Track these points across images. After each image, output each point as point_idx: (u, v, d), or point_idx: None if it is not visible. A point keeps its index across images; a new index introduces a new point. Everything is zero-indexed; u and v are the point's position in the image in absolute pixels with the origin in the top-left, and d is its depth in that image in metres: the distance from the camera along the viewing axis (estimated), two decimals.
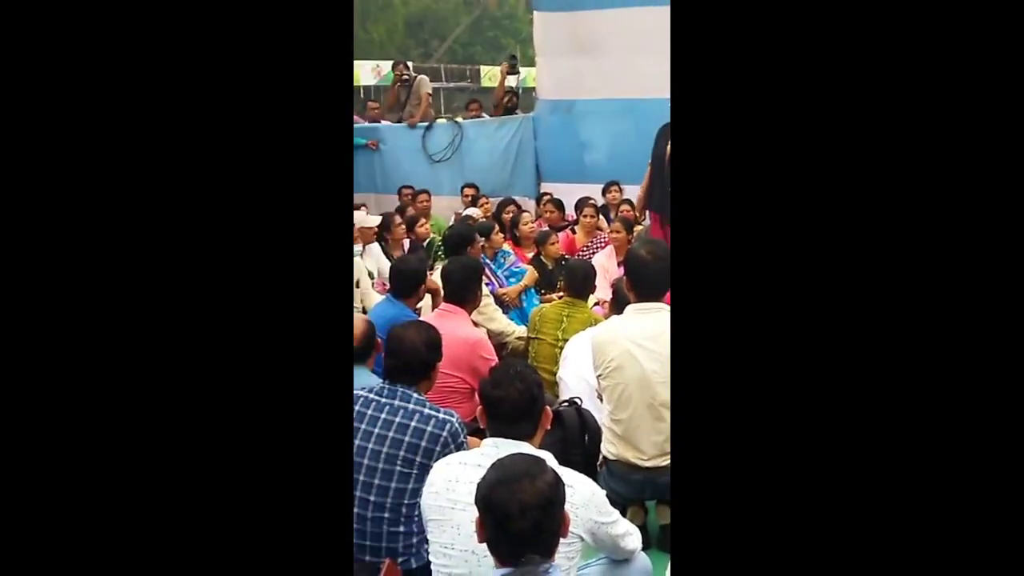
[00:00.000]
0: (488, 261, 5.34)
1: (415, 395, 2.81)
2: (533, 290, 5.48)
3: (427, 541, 2.39)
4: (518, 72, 8.90)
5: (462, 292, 3.91)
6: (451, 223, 7.20)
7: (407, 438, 2.71)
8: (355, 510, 2.71)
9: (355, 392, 2.89)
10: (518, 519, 1.76)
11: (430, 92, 9.04)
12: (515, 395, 2.35)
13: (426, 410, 2.77)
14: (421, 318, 3.92)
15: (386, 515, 2.71)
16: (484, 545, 2.08)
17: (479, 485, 1.85)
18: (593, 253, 6.01)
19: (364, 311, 4.90)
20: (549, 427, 2.47)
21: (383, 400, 2.81)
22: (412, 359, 2.85)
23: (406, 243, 6.50)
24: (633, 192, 6.51)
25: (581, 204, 6.70)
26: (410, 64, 9.87)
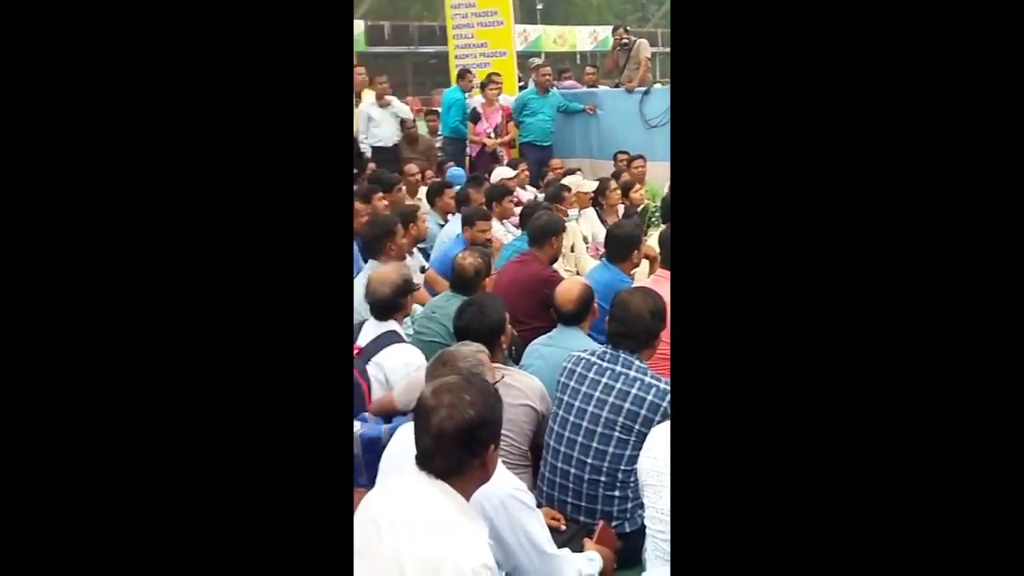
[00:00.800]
0: None
1: (637, 362, 2.80)
2: None
3: (642, 506, 2.39)
4: None
5: None
6: (666, 189, 7.12)
7: (627, 405, 2.71)
8: (572, 470, 2.76)
9: (574, 353, 2.93)
10: None
11: (649, 56, 8.90)
12: None
13: (647, 379, 2.75)
14: (636, 284, 3.89)
15: (602, 479, 2.73)
16: None
17: None
18: None
19: (578, 274, 4.94)
20: None
21: (604, 364, 2.82)
22: (636, 326, 2.84)
23: (620, 208, 6.47)
24: None
25: None
26: (629, 28, 9.77)
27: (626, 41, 8.81)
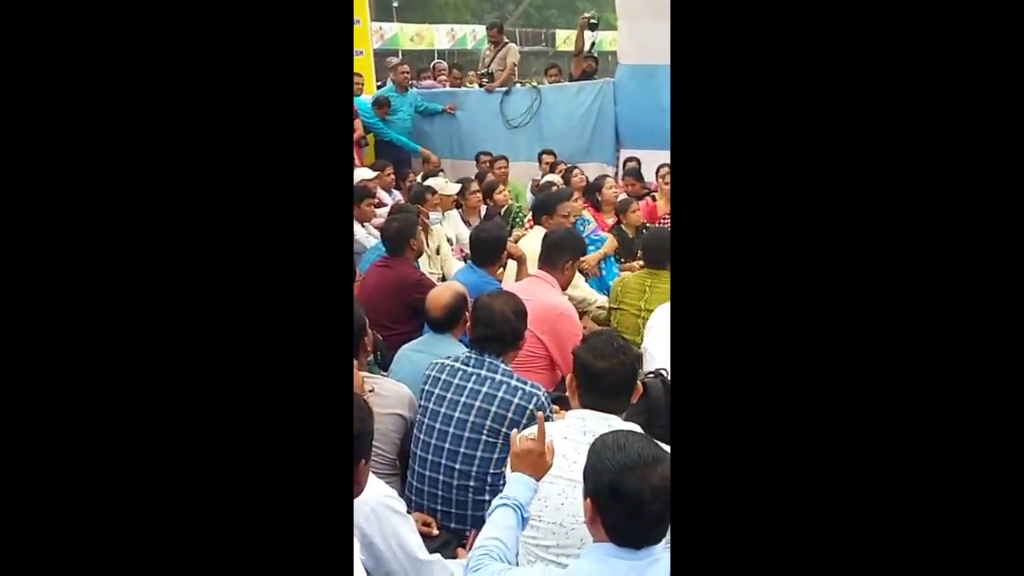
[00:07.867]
0: None
1: (502, 365, 2.81)
2: (613, 259, 5.42)
3: None
4: (597, 26, 8.71)
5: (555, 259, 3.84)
6: (529, 190, 7.18)
7: (493, 408, 2.72)
8: (440, 478, 2.75)
9: (437, 360, 2.92)
10: (651, 504, 1.73)
11: (516, 62, 8.94)
12: (619, 368, 2.31)
13: (513, 381, 2.76)
14: (504, 286, 3.91)
15: (471, 483, 2.72)
16: (572, 517, 2.08)
17: (599, 470, 1.78)
18: None
19: (443, 278, 4.92)
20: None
21: (469, 369, 2.82)
22: (503, 328, 2.85)
23: (482, 210, 6.48)
24: None
25: (661, 170, 6.56)
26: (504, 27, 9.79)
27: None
